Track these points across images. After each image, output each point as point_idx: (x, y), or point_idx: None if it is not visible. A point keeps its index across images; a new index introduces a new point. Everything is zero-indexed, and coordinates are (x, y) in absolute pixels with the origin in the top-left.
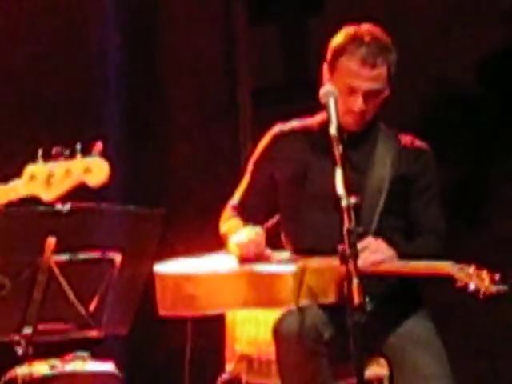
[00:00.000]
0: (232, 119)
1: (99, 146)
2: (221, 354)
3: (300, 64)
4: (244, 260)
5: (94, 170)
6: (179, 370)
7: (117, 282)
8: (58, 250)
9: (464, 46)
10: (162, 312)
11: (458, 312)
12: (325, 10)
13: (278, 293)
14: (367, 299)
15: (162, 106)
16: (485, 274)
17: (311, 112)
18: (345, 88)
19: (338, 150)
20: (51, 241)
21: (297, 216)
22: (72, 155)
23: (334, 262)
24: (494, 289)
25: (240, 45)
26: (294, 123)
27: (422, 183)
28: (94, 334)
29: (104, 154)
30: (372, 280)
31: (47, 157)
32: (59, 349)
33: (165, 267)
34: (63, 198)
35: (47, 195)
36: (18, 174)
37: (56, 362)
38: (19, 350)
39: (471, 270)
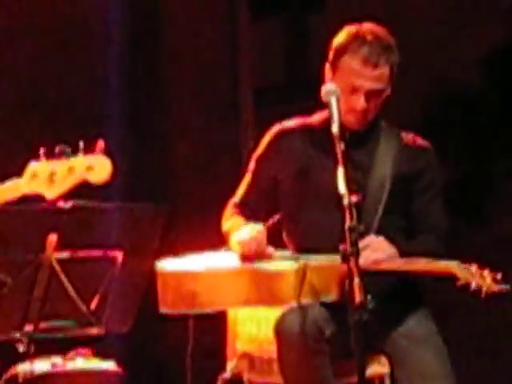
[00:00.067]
0: (233, 118)
1: (101, 143)
2: (222, 352)
3: (301, 63)
4: (245, 258)
5: (97, 167)
6: (180, 368)
7: (118, 280)
8: (59, 247)
9: (464, 45)
10: (163, 310)
11: (459, 310)
12: (326, 9)
13: (279, 291)
14: (369, 297)
15: (162, 105)
16: (486, 273)
17: (312, 111)
18: (347, 87)
19: (339, 148)
20: (53, 238)
21: (298, 214)
22: (74, 153)
23: (336, 260)
24: (495, 288)
25: (241, 44)
26: (296, 121)
27: (424, 182)
28: (95, 331)
29: (105, 153)
30: (373, 278)
31: (49, 155)
32: (60, 346)
33: (166, 265)
34: (65, 196)
35: (50, 193)
36: (20, 172)
37: (57, 359)
38: (20, 348)
39: (473, 268)
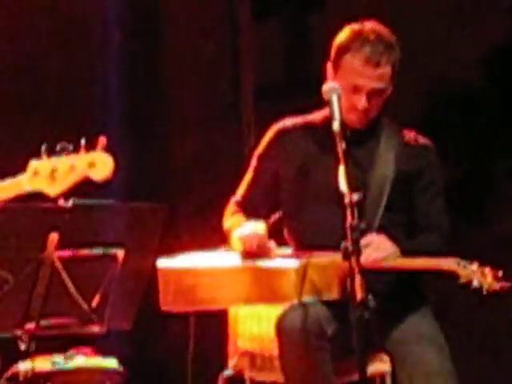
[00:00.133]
0: (234, 117)
1: (103, 140)
2: (223, 349)
3: (302, 62)
4: (247, 254)
5: (98, 164)
6: (182, 366)
7: (119, 278)
8: (60, 245)
9: (464, 45)
10: (164, 307)
11: (461, 308)
12: (326, 8)
13: (280, 288)
14: (370, 296)
15: (163, 103)
16: (487, 270)
17: (314, 108)
18: (349, 86)
19: (340, 146)
20: (54, 236)
21: (299, 212)
22: (76, 150)
23: (337, 257)
24: (497, 286)
25: (242, 43)
26: (297, 119)
27: (426, 180)
28: (96, 329)
29: (107, 150)
30: (375, 276)
31: (51, 152)
32: (62, 344)
33: (167, 263)
34: (67, 194)
35: (51, 190)
36: (21, 170)
37: (58, 357)
38: (22, 346)
39: (474, 266)
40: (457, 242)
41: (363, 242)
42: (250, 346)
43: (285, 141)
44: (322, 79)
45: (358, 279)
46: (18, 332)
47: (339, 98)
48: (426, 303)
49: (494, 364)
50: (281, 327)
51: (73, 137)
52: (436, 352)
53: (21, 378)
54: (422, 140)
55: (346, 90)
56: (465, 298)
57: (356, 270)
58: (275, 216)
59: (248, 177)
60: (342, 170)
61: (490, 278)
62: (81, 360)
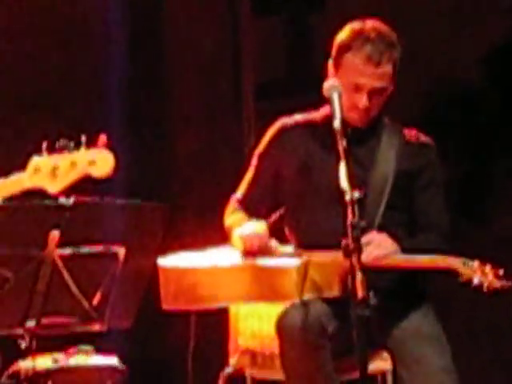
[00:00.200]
0: (235, 115)
1: (103, 138)
2: (224, 347)
3: (302, 60)
4: (247, 253)
5: (99, 161)
6: (182, 364)
7: (120, 276)
8: (61, 243)
9: (465, 44)
10: (165, 306)
11: (462, 306)
12: (326, 7)
13: (281, 287)
14: (371, 293)
15: (164, 102)
16: (488, 268)
17: (314, 106)
18: (350, 85)
19: (341, 144)
20: (55, 234)
21: (300, 210)
22: (77, 147)
23: (338, 255)
24: (497, 284)
25: (242, 41)
26: (298, 117)
27: (426, 178)
28: (97, 327)
29: (108, 147)
30: (376, 274)
31: (52, 149)
32: (62, 342)
33: (168, 261)
34: (67, 191)
35: (52, 187)
36: (22, 168)
37: (59, 355)
38: (22, 344)
39: (475, 264)
40: (457, 241)
41: (364, 239)
42: (251, 344)
43: (285, 139)
44: (322, 78)
45: (358, 277)
46: (19, 330)
47: (340, 96)
48: (426, 301)
49: (495, 362)
50: (281, 325)
51: (74, 134)
52: (437, 350)
53: (22, 377)
54: (423, 138)
55: (347, 88)
56: (466, 295)
57: (357, 267)
58: (276, 214)
59: (249, 175)
60: (342, 167)
61: (490, 276)
62: (81, 358)
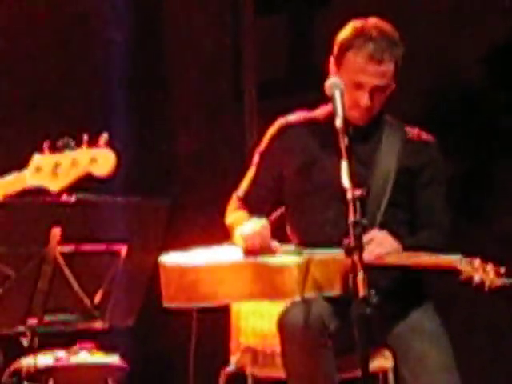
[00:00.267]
0: (236, 113)
1: (105, 136)
2: (225, 345)
3: (304, 59)
4: (249, 252)
5: (100, 160)
6: (184, 362)
7: (122, 274)
8: (63, 240)
9: (467, 42)
10: (166, 303)
11: (463, 304)
12: (329, 5)
13: (283, 285)
14: (372, 292)
15: (165, 100)
16: (490, 267)
17: (317, 103)
18: (351, 83)
19: (343, 142)
20: (56, 232)
21: (302, 208)
22: (78, 146)
23: (340, 254)
24: (498, 282)
25: (244, 40)
26: (300, 115)
27: (427, 176)
28: (99, 325)
29: (109, 146)
30: (377, 272)
31: (53, 148)
32: (64, 340)
33: (170, 258)
34: (69, 189)
35: (54, 186)
36: (24, 165)
37: (61, 353)
38: (24, 342)
39: (476, 263)
40: (458, 240)
41: (366, 238)
42: (252, 342)
43: (287, 137)
44: (323, 77)
45: (360, 275)
46: (21, 328)
47: (342, 94)
48: (427, 299)
49: (495, 361)
50: (283, 323)
51: (75, 133)
52: (438, 348)
53: (23, 374)
54: (425, 136)
55: (348, 86)
56: (466, 294)
57: (358, 266)
58: (277, 212)
59: (250, 173)
60: (344, 165)
61: (491, 275)
62: (83, 356)
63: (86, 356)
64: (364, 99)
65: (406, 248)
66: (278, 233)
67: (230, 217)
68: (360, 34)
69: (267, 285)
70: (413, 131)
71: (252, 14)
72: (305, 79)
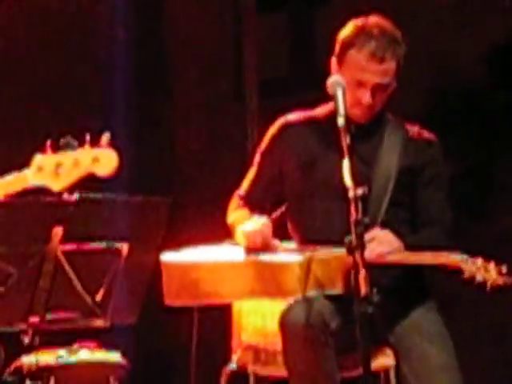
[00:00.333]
0: (238, 112)
1: (107, 136)
2: (227, 343)
3: (306, 57)
4: (251, 250)
5: (103, 160)
6: (185, 360)
7: (123, 272)
8: (64, 239)
9: (468, 41)
10: (168, 301)
11: (465, 303)
12: (330, 3)
13: (284, 283)
14: (374, 290)
15: (167, 97)
16: (492, 265)
17: (317, 103)
18: (353, 81)
19: (345, 140)
20: (58, 230)
21: (304, 206)
22: (80, 146)
23: (341, 252)
24: (500, 281)
25: (246, 37)
26: (301, 114)
27: (429, 175)
28: (100, 323)
29: (111, 146)
30: (379, 271)
31: (55, 147)
32: (65, 338)
33: (171, 257)
34: (71, 189)
35: (56, 185)
36: (26, 164)
37: (62, 351)
38: (26, 339)
39: (478, 261)
40: (459, 238)
41: (367, 236)
42: (254, 340)
43: (288, 136)
44: (324, 76)
45: (362, 274)
46: (22, 326)
47: (344, 92)
48: (429, 298)
49: (497, 358)
50: (284, 322)
51: (78, 130)
52: (439, 346)
53: (24, 372)
54: (426, 134)
55: (350, 84)
56: (469, 293)
57: (360, 264)
58: (279, 211)
59: (251, 172)
60: (346, 163)
61: (493, 273)
62: (84, 354)
63: (87, 354)
64: (366, 97)
65: (408, 246)
66: (280, 231)
67: (232, 216)
68: (362, 33)
69: (269, 283)
70: (414, 129)
71: (253, 14)
72: (306, 78)
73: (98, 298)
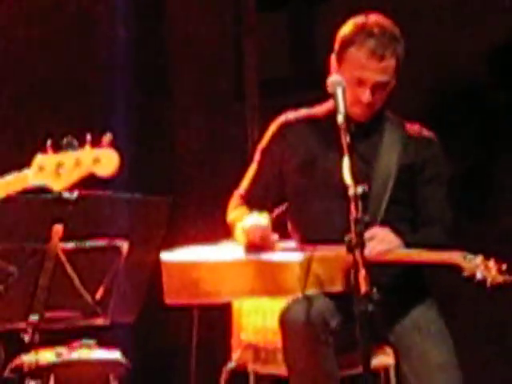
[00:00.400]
0: (238, 111)
1: (109, 136)
2: (227, 342)
3: (307, 54)
4: (250, 246)
5: (104, 160)
6: (185, 359)
7: (123, 270)
8: (64, 237)
9: (468, 40)
10: (167, 300)
11: (465, 301)
12: (331, 2)
13: (284, 281)
14: (374, 289)
15: (167, 96)
16: (492, 263)
17: (318, 101)
18: (353, 79)
19: (345, 139)
20: (58, 228)
21: (303, 205)
22: (81, 146)
23: (341, 250)
24: (500, 279)
25: (246, 35)
26: (301, 112)
27: (429, 172)
28: (100, 321)
29: (112, 146)
30: (379, 269)
31: (57, 147)
32: (65, 336)
33: (171, 255)
34: (72, 188)
35: (56, 185)
36: (26, 164)
37: (62, 349)
38: (26, 338)
39: (478, 259)
40: (459, 238)
41: (367, 234)
42: (254, 338)
43: (288, 134)
44: (325, 75)
45: (362, 272)
46: (22, 324)
47: (344, 91)
48: (429, 296)
49: (498, 357)
50: (284, 320)
51: (79, 130)
52: (439, 345)
53: (25, 370)
54: (426, 133)
55: (349, 83)
56: (469, 291)
57: (360, 262)
58: (279, 209)
59: (251, 170)
60: (346, 162)
61: (493, 271)
62: (84, 352)
63: (87, 352)
64: (365, 95)
65: (408, 245)
66: (280, 230)
67: (232, 214)
68: (361, 31)
69: (269, 282)
70: (413, 127)
71: (253, 14)
72: (306, 78)
73: (98, 296)
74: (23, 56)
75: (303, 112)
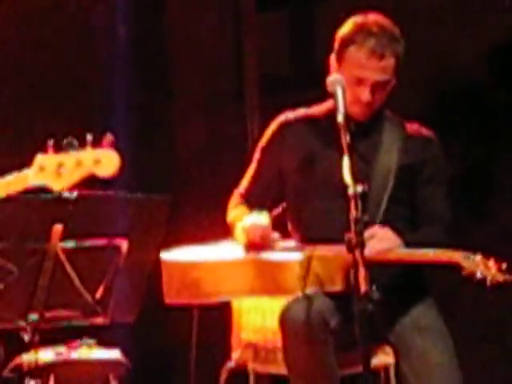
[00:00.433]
0: (238, 109)
1: (109, 137)
2: (227, 342)
3: (307, 53)
4: (250, 245)
5: (104, 161)
6: (185, 358)
7: (123, 269)
8: (64, 237)
9: (467, 41)
10: (167, 300)
11: (465, 300)
12: (329, 1)
13: (284, 281)
14: (374, 288)
15: (167, 96)
16: (491, 262)
17: (318, 101)
18: (352, 78)
19: (345, 138)
20: (58, 228)
21: (303, 204)
22: (82, 146)
23: (341, 250)
24: (500, 278)
25: (246, 34)
26: (300, 112)
27: (428, 172)
28: (100, 321)
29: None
30: (379, 269)
31: (57, 148)
32: (65, 336)
33: (171, 255)
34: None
35: (57, 185)
36: (26, 164)
37: (62, 349)
38: (25, 337)
39: (478, 258)
40: (459, 238)
41: (367, 234)
42: (254, 338)
43: (287, 133)
44: (325, 74)
45: (361, 271)
46: (22, 323)
47: (344, 91)
48: (429, 296)
49: (497, 355)
50: (284, 319)
51: (79, 130)
52: (439, 344)
53: (24, 370)
54: (426, 132)
55: (349, 82)
56: (469, 290)
57: (360, 262)
58: (279, 208)
59: (251, 169)
60: (346, 161)
61: (493, 270)
62: (84, 352)
63: (86, 352)
64: (365, 95)
65: (408, 244)
66: (279, 229)
67: (232, 213)
68: (361, 30)
69: (269, 281)
70: (413, 127)
71: (253, 14)
72: (306, 78)
73: (98, 295)
74: (23, 56)
75: (303, 111)
